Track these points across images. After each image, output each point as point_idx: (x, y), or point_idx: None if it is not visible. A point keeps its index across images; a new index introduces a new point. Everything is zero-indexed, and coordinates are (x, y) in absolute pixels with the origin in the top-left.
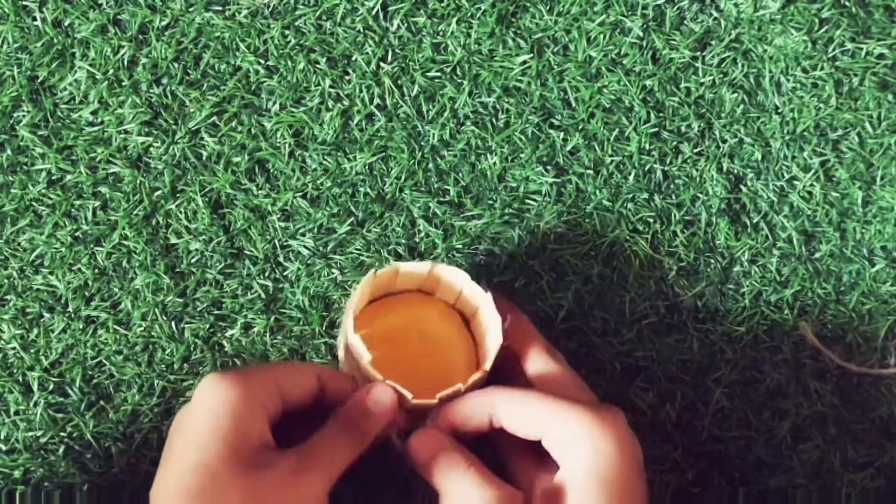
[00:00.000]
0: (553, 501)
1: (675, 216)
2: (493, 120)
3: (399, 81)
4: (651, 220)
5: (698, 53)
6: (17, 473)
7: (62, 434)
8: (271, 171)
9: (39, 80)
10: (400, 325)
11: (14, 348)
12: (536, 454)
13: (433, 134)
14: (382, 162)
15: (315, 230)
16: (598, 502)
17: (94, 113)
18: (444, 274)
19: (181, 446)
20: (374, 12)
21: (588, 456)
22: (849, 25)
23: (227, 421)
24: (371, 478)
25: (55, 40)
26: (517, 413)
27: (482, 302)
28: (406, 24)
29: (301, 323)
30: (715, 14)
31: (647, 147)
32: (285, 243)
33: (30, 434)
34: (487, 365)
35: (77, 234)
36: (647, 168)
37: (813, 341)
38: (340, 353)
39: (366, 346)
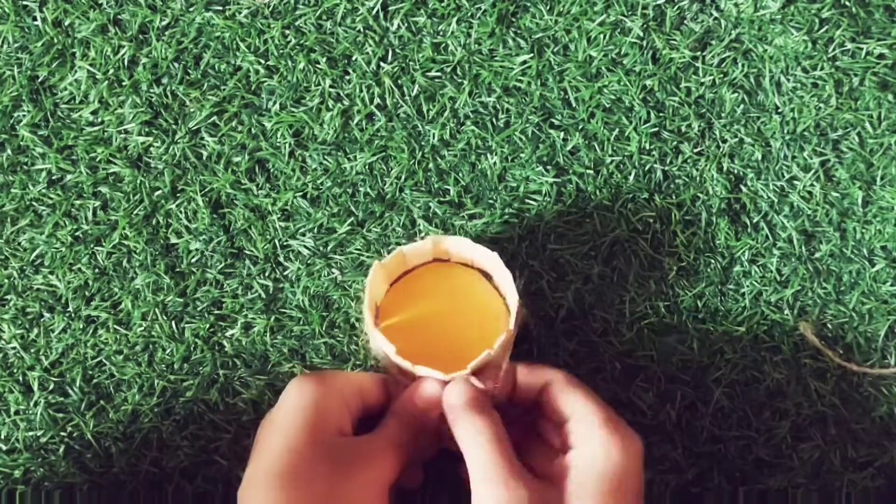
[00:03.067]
0: (556, 480)
1: (675, 216)
2: (494, 120)
3: (399, 81)
4: (651, 220)
5: (698, 53)
6: (17, 473)
7: (62, 434)
8: (271, 170)
9: (40, 80)
10: (425, 295)
11: (14, 348)
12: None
13: (433, 134)
14: (382, 162)
15: (315, 230)
16: (591, 492)
17: (94, 113)
18: (449, 245)
19: (270, 437)
20: (374, 12)
21: (598, 453)
22: (849, 25)
23: (312, 411)
24: None
25: (55, 40)
26: (566, 393)
27: (492, 262)
28: (406, 24)
29: (301, 323)
30: (715, 14)
31: (648, 147)
32: (285, 243)
33: (30, 434)
34: (511, 324)
35: (77, 233)
36: (647, 168)
37: (813, 341)
38: (371, 346)
39: (391, 339)
